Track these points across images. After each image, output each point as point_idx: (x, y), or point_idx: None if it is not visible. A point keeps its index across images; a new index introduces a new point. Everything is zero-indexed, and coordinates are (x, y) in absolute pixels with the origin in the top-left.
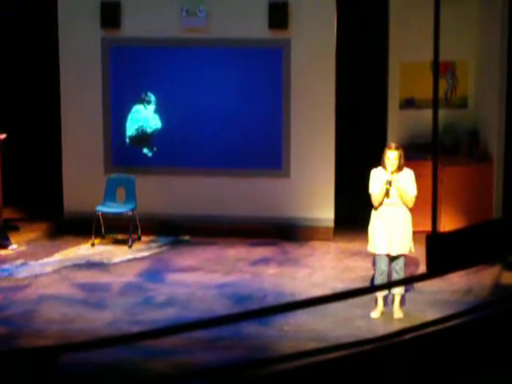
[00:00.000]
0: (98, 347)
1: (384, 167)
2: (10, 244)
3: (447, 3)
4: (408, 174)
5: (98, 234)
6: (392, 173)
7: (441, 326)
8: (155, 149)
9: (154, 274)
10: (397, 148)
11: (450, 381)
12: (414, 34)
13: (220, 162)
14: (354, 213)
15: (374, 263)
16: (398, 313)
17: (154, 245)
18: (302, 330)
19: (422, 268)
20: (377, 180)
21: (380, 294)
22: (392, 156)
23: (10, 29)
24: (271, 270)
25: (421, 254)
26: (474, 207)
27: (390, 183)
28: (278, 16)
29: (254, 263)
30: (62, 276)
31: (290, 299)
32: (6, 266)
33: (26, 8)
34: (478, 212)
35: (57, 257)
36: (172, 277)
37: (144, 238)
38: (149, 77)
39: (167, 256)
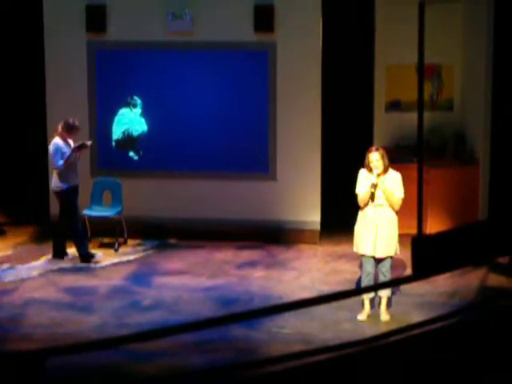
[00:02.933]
0: (85, 350)
1: (370, 171)
2: (93, 256)
3: (433, 6)
4: (395, 177)
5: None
6: (378, 175)
7: (427, 328)
8: (141, 152)
9: (140, 277)
10: (377, 149)
11: (436, 382)
12: (400, 36)
13: (206, 166)
14: (340, 216)
15: (360, 266)
16: (384, 315)
17: (140, 248)
18: (288, 333)
19: (409, 270)
20: (364, 180)
21: (366, 297)
22: (374, 158)
23: None
24: (258, 273)
25: (407, 257)
26: (460, 209)
27: (375, 186)
28: (264, 19)
29: (241, 266)
30: (48, 280)
31: (276, 302)
32: None
33: (11, 11)
34: (463, 214)
35: (43, 261)
36: (159, 280)
37: (130, 242)
38: (135, 80)
39: (154, 259)
